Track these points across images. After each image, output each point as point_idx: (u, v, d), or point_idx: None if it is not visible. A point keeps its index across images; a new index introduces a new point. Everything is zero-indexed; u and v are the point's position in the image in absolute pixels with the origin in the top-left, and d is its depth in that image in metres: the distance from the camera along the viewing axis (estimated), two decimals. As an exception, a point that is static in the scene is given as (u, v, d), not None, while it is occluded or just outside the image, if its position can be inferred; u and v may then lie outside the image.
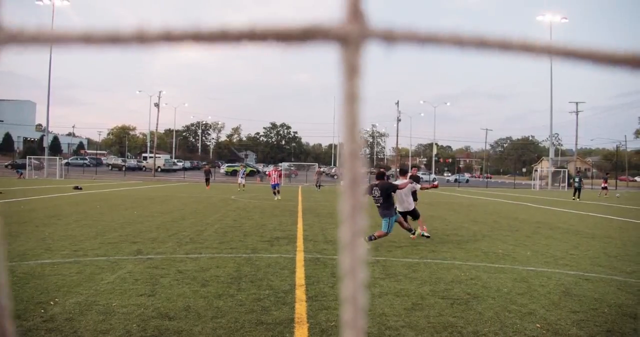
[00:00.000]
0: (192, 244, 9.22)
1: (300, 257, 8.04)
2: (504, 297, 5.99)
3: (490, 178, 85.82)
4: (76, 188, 28.28)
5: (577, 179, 32.14)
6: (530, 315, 5.27)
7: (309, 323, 4.77)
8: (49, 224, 11.81)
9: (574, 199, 30.01)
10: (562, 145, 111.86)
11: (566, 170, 58.49)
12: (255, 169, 66.23)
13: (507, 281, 6.81)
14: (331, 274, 6.85)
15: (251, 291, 5.86)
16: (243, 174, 30.61)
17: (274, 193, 23.21)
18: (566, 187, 53.54)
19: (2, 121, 79.36)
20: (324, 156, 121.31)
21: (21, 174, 46.40)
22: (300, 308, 5.24)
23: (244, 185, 30.54)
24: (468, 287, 6.41)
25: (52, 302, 5.26)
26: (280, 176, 24.47)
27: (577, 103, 63.57)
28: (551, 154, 60.08)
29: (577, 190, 31.34)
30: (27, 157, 51.84)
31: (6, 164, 61.95)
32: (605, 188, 37.21)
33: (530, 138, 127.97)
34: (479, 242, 10.51)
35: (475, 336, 4.61)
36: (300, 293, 5.84)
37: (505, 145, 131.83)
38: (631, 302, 5.86)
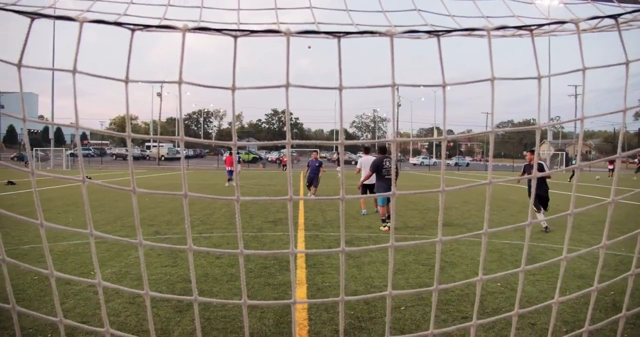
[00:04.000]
0: (203, 226, 10.23)
1: (301, 234, 9.04)
2: (476, 264, 6.98)
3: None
4: (87, 178, 29.21)
5: (573, 162, 33.35)
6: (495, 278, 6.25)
7: (307, 284, 5.78)
8: (69, 210, 12.82)
9: (569, 181, 30.98)
10: (563, 128, 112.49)
11: (564, 152, 59.32)
12: (257, 156, 67.47)
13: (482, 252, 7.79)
14: (328, 247, 7.86)
15: (258, 261, 6.86)
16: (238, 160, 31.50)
17: (229, 180, 23.67)
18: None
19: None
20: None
21: (26, 162, 47.52)
22: (301, 273, 6.24)
23: (238, 171, 31.47)
24: (446, 257, 7.39)
25: (92, 273, 6.26)
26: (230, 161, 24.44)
27: (575, 86, 64.20)
28: (549, 137, 60.97)
29: (573, 172, 32.46)
30: (34, 149, 52.82)
31: (11, 156, 62.98)
32: (612, 170, 38.41)
33: (532, 121, 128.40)
34: (466, 220, 11.50)
35: (444, 292, 5.60)
36: (301, 262, 6.85)
37: (506, 128, 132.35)
38: (584, 266, 6.85)
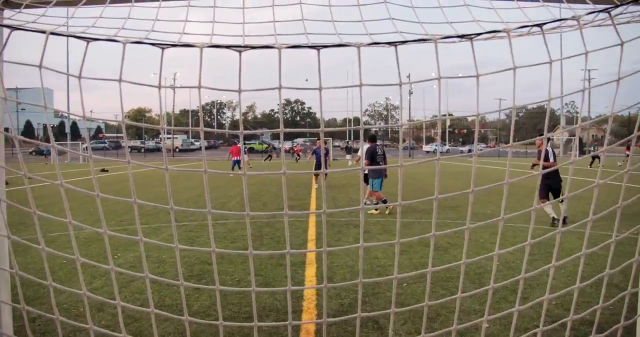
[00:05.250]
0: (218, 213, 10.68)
1: (312, 220, 9.43)
2: (479, 245, 7.33)
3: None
4: (103, 170, 29.87)
5: (592, 148, 34.76)
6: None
7: (317, 264, 6.17)
8: (90, 201, 13.32)
9: (590, 167, 31.51)
10: (578, 112, 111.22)
11: (577, 138, 58.86)
12: (272, 146, 68.14)
13: (485, 234, 8.13)
14: (337, 232, 8.24)
15: (271, 245, 7.27)
16: (246, 150, 31.90)
17: (233, 168, 23.98)
18: (577, 154, 54.18)
19: (24, 109, 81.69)
20: (338, 131, 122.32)
21: (45, 156, 48.50)
22: (310, 255, 6.63)
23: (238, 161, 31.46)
24: (450, 239, 7.73)
25: (115, 256, 6.72)
26: (238, 151, 24.70)
27: (588, 71, 63.53)
28: (562, 122, 60.63)
29: (593, 158, 33.52)
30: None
31: (30, 150, 63.96)
32: (628, 155, 38.66)
33: (546, 106, 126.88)
34: (473, 205, 11.79)
35: (445, 270, 5.95)
36: (311, 245, 7.24)
37: (520, 114, 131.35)
38: (580, 246, 7.15)
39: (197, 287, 5.24)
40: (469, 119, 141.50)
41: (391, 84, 1.54)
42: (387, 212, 10.71)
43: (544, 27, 1.62)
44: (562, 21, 1.65)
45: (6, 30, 1.77)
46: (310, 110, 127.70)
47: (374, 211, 10.69)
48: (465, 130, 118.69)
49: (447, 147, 72.50)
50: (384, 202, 10.64)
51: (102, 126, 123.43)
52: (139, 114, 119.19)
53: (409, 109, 72.81)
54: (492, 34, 1.60)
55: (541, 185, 10.04)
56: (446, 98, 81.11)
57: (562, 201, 9.50)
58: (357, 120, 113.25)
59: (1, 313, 2.17)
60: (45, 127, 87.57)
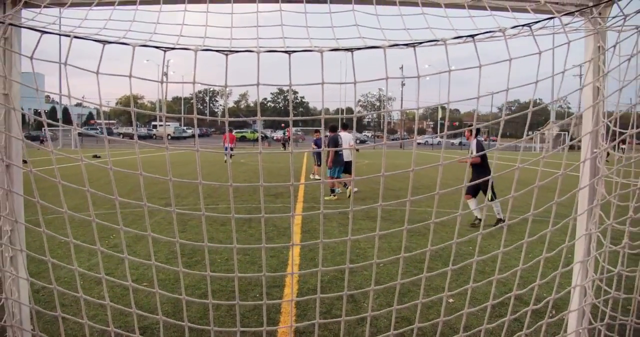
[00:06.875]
0: (210, 198, 11.04)
1: (299, 206, 9.83)
2: (454, 231, 7.75)
3: (495, 141, 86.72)
4: (95, 156, 30.03)
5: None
6: (468, 242, 7.02)
7: (301, 246, 6.56)
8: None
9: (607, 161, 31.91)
10: (570, 108, 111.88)
11: (567, 132, 59.47)
12: (263, 135, 68.43)
13: (463, 221, 8.55)
14: (323, 216, 8.63)
15: (259, 228, 7.65)
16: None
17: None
18: (566, 149, 54.71)
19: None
20: (331, 120, 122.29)
21: (42, 141, 48.50)
22: (296, 238, 7.04)
23: (231, 149, 32.05)
24: (429, 225, 8.15)
25: (111, 237, 7.08)
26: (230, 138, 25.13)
27: (580, 66, 63.86)
28: (552, 117, 61.23)
29: (608, 153, 33.98)
30: (43, 129, 53.56)
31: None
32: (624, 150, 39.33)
33: (538, 101, 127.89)
34: (456, 195, 12.22)
35: (421, 253, 6.36)
36: (297, 229, 7.64)
37: (513, 108, 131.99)
38: (551, 235, 7.59)
39: (190, 243, 5.62)
40: (462, 112, 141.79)
41: (347, 82, 1.90)
42: (327, 197, 11.28)
43: (476, 37, 1.98)
44: (492, 32, 2.01)
45: (25, 31, 2.12)
46: (303, 100, 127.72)
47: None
48: (457, 123, 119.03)
49: (437, 139, 72.90)
50: (332, 191, 11.42)
51: (94, 112, 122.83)
52: (130, 101, 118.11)
53: (401, 101, 73.07)
54: (433, 43, 1.97)
55: (471, 180, 8.90)
56: (438, 90, 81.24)
57: (491, 200, 8.88)
58: (349, 110, 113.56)
59: (18, 262, 2.52)
60: (36, 112, 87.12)
